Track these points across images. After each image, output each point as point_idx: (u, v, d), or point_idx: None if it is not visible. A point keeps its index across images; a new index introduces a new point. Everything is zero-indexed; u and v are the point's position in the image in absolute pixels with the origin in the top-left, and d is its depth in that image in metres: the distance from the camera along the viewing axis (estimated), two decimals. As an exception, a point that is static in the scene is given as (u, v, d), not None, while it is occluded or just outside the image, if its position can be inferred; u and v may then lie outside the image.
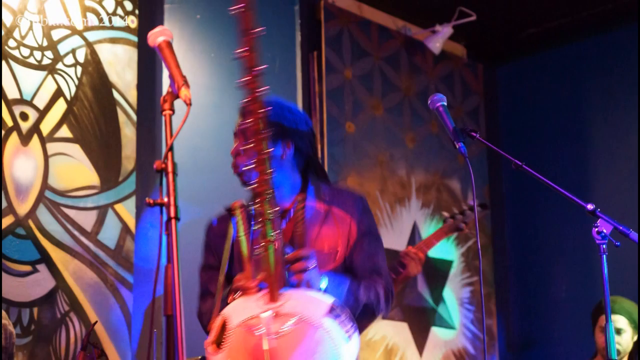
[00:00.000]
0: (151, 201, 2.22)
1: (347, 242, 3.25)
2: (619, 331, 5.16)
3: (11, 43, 4.52)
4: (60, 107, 4.66)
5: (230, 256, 3.19)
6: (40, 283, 4.44)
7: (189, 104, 2.32)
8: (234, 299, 2.92)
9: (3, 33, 4.50)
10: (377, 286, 3.21)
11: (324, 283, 3.00)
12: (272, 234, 2.77)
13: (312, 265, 2.94)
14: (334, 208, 3.25)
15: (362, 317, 3.20)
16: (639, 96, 6.38)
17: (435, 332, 6.46)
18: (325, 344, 2.78)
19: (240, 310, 2.84)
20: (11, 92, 4.48)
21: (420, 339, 6.36)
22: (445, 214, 4.88)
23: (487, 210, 4.81)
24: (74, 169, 4.67)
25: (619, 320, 5.20)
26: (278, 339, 2.75)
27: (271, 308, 2.79)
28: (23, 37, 4.58)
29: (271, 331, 2.75)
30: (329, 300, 2.85)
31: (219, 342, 2.82)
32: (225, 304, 2.94)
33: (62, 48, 4.72)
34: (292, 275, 2.92)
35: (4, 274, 4.29)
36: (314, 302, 2.85)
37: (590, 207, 3.18)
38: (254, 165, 2.68)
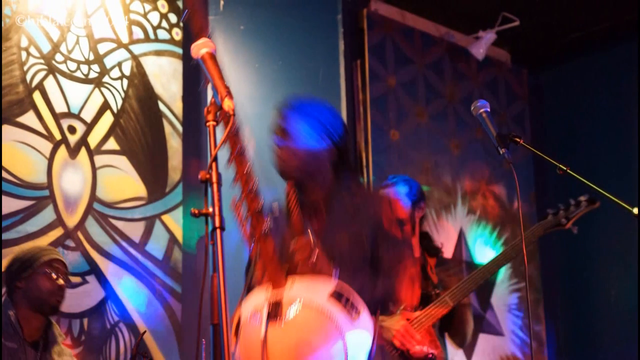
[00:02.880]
0: (196, 211, 2.24)
1: (372, 234, 3.25)
2: None
3: (58, 57, 4.59)
4: (107, 119, 4.71)
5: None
6: (89, 294, 4.49)
7: (232, 115, 2.33)
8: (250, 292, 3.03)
9: (50, 48, 4.56)
10: (397, 276, 3.21)
11: (335, 272, 3.01)
12: (265, 224, 2.82)
13: (316, 253, 2.97)
14: (362, 203, 3.27)
15: (383, 307, 3.25)
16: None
17: (484, 338, 6.43)
18: (328, 328, 2.80)
19: (251, 301, 2.92)
20: (59, 106, 4.54)
21: (469, 345, 6.33)
22: (550, 210, 4.78)
23: (597, 204, 4.65)
24: (122, 180, 4.71)
25: None
26: (282, 324, 2.80)
27: (275, 294, 2.85)
28: (70, 51, 4.63)
29: (275, 317, 2.80)
30: (331, 284, 2.88)
31: (237, 335, 2.92)
32: None
33: (108, 61, 4.77)
34: (298, 264, 2.97)
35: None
36: (316, 286, 2.89)
37: (636, 211, 3.16)
38: (231, 159, 2.71)
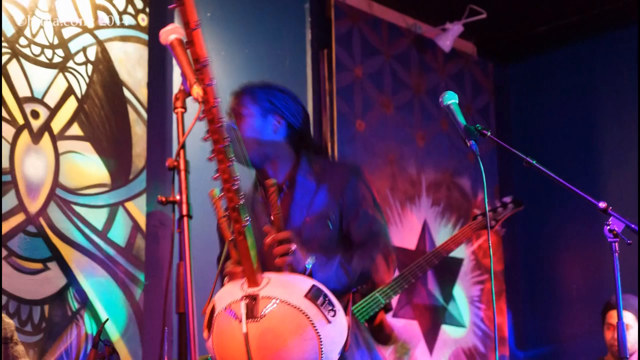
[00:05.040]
0: (163, 199, 2.22)
1: (339, 210, 3.27)
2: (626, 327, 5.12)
3: (22, 41, 4.53)
4: (71, 105, 4.67)
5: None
6: (51, 281, 4.45)
7: (201, 102, 2.31)
8: (222, 285, 3.01)
9: (14, 31, 4.50)
10: (372, 252, 3.22)
11: (310, 262, 3.00)
12: (245, 218, 2.80)
13: (292, 247, 2.96)
14: (327, 181, 3.27)
15: (361, 284, 3.30)
16: (650, 94, 6.37)
17: (446, 330, 6.45)
18: (305, 326, 2.79)
19: (225, 295, 2.90)
20: (22, 90, 4.49)
21: (430, 337, 6.35)
22: (477, 211, 4.82)
23: (522, 207, 4.70)
24: (85, 167, 4.67)
25: (626, 316, 5.19)
26: (258, 322, 2.78)
27: (250, 292, 2.83)
28: (34, 35, 4.58)
29: (251, 315, 2.78)
30: (308, 282, 2.88)
31: (209, 327, 2.90)
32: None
33: (73, 46, 4.73)
34: (275, 259, 2.95)
35: (15, 272, 4.30)
36: (293, 284, 2.88)
37: (602, 205, 3.17)
38: (214, 155, 2.68)
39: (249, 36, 5.63)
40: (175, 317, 2.22)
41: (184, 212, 2.19)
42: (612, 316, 5.29)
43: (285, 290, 2.84)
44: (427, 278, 6.39)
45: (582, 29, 6.88)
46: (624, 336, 3.19)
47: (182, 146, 2.25)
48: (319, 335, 2.79)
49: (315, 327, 2.79)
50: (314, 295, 2.83)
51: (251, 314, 2.79)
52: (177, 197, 2.21)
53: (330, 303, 2.84)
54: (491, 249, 3.07)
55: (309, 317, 2.79)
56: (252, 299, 2.81)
